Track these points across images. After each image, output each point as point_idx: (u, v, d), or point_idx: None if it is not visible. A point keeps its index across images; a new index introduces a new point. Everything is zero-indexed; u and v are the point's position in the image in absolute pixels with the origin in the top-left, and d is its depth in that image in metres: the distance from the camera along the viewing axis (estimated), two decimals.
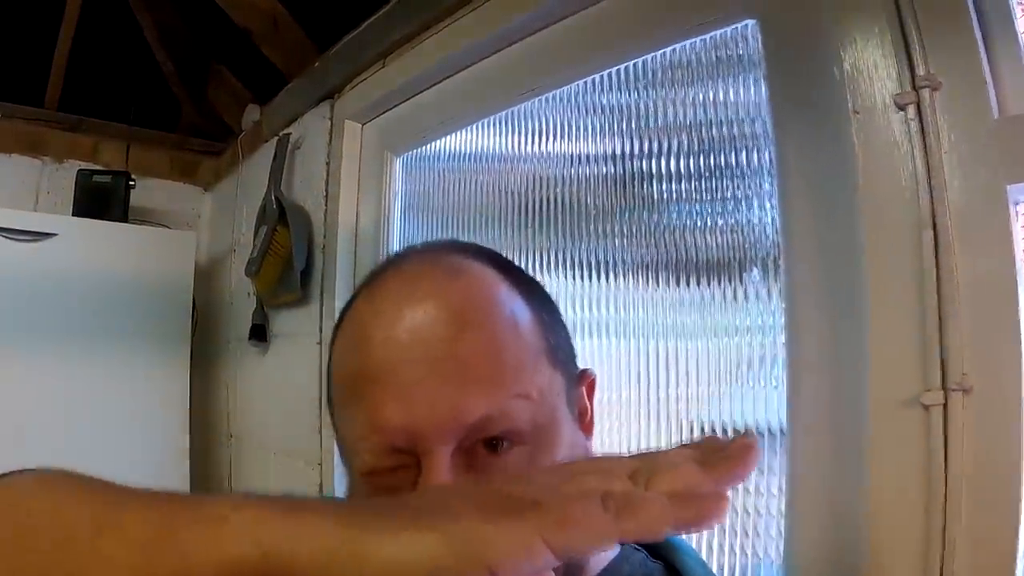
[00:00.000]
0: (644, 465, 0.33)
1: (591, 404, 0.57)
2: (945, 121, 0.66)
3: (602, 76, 1.07)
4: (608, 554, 0.53)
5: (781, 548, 0.80)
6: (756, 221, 0.87)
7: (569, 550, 0.29)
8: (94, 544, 0.30)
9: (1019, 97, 0.65)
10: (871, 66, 0.71)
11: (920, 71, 0.68)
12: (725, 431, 0.88)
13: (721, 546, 0.87)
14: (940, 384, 0.63)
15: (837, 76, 0.74)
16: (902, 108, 0.68)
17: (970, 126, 0.65)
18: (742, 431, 0.33)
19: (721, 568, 0.87)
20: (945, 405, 0.63)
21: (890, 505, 0.66)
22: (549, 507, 0.30)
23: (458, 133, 1.36)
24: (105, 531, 0.31)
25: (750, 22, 0.87)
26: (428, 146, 1.45)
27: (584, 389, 0.56)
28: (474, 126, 1.32)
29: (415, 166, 1.51)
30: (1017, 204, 0.63)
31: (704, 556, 0.59)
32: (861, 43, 0.72)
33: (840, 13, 0.74)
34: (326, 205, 1.62)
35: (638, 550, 0.57)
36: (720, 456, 0.33)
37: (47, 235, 1.82)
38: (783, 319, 0.81)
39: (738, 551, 0.86)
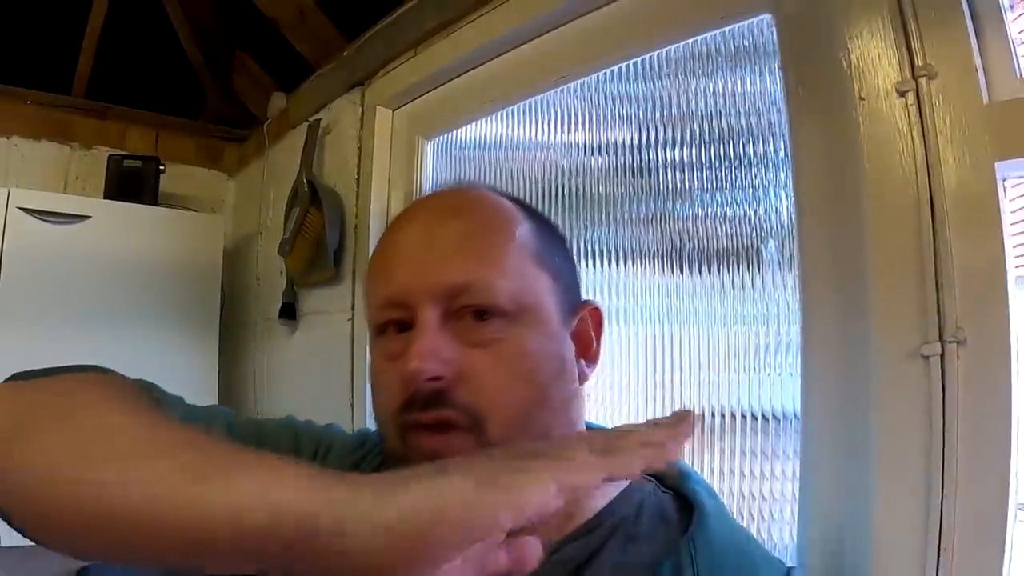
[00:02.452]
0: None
1: (597, 336, 0.62)
2: (941, 106, 0.74)
3: (624, 67, 1.14)
4: (612, 488, 0.59)
5: (795, 532, 0.85)
6: (771, 209, 0.93)
7: (575, 488, 0.35)
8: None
9: (1007, 84, 0.73)
10: (875, 57, 0.79)
11: (918, 61, 0.75)
12: (734, 416, 0.94)
13: None
14: (938, 337, 0.71)
15: (845, 66, 0.81)
16: (902, 95, 0.76)
17: (963, 110, 0.73)
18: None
19: None
20: (942, 355, 0.70)
21: (894, 447, 0.73)
22: (549, 455, 0.37)
23: (485, 120, 1.42)
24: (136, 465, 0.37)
25: (765, 16, 0.95)
26: (456, 133, 1.51)
27: (588, 318, 0.61)
28: (500, 114, 1.38)
29: (443, 151, 1.57)
30: (1004, 179, 0.71)
31: None
32: (866, 36, 0.80)
33: (847, 8, 0.82)
34: (357, 188, 1.67)
35: (649, 480, 0.61)
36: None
37: (81, 218, 1.88)
38: (798, 296, 0.87)
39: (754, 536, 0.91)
